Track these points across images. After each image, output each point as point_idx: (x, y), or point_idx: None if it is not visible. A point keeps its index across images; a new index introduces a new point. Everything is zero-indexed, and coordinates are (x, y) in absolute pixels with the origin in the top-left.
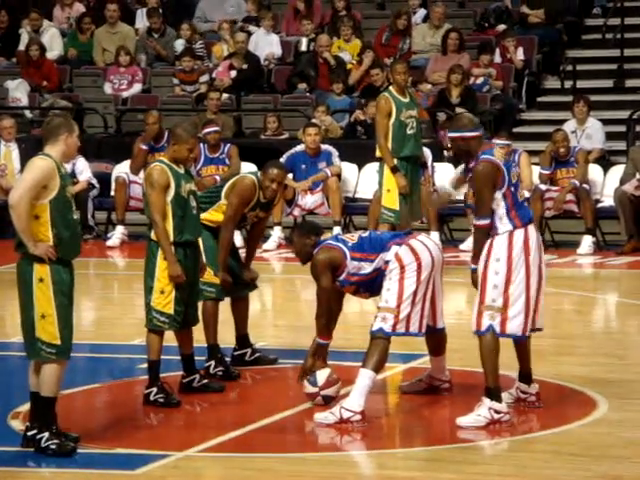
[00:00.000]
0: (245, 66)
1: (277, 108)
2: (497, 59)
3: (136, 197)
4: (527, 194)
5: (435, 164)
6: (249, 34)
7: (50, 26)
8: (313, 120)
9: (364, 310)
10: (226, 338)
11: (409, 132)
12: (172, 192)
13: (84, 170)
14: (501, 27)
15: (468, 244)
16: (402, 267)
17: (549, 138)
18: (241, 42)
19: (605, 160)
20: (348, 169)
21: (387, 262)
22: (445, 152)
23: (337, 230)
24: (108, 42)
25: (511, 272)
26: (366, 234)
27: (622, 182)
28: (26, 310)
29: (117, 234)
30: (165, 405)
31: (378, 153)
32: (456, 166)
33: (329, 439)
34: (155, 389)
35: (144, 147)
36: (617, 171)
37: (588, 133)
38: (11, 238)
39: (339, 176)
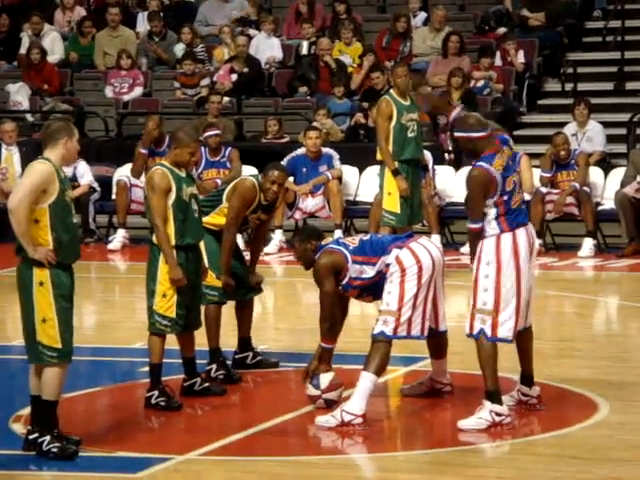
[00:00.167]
0: (246, 69)
1: (278, 111)
2: (498, 62)
3: (137, 200)
4: (527, 197)
5: (436, 167)
6: (250, 37)
7: (51, 30)
8: (314, 123)
9: (365, 313)
10: (228, 341)
11: (410, 135)
12: (173, 196)
13: (85, 174)
14: (502, 30)
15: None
16: (403, 270)
17: (550, 141)
18: (242, 46)
19: (606, 163)
20: (349, 172)
21: (388, 265)
22: (446, 155)
23: (338, 233)
24: (109, 46)
25: (500, 276)
26: (367, 237)
27: (623, 185)
28: (27, 314)
29: (118, 237)
30: (166, 408)
31: (379, 156)
32: (457, 170)
33: (330, 442)
34: (156, 392)
35: (143, 151)
36: (618, 174)
37: (589, 136)
38: (12, 242)
39: (340, 179)
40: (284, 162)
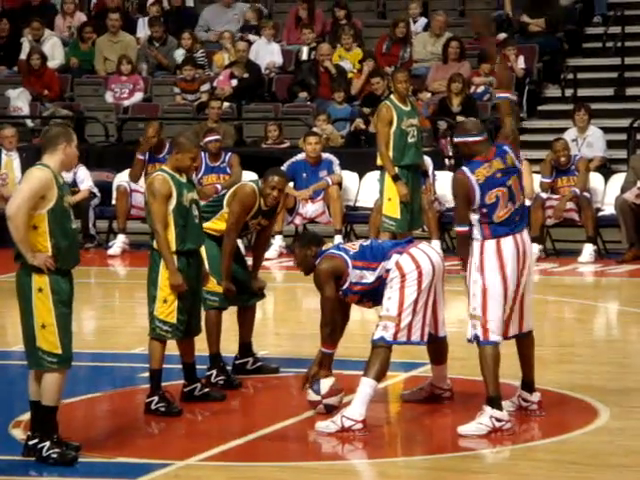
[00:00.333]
0: (246, 75)
1: (278, 117)
2: None
3: (137, 206)
4: (528, 202)
5: (436, 172)
6: (250, 43)
7: (51, 35)
8: (314, 129)
9: (365, 319)
10: (228, 347)
11: (410, 141)
12: (174, 201)
13: (85, 179)
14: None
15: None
16: (403, 275)
17: (550, 146)
18: (242, 51)
19: (606, 168)
20: (349, 178)
21: (388, 271)
22: (446, 160)
23: (338, 239)
24: (109, 51)
25: (484, 281)
26: (367, 243)
27: (623, 190)
28: (26, 320)
29: (118, 243)
30: (166, 414)
31: (379, 162)
32: None
33: (330, 448)
34: (156, 398)
35: (141, 157)
36: (618, 179)
37: (589, 141)
38: (11, 247)
39: (340, 185)
40: (284, 167)
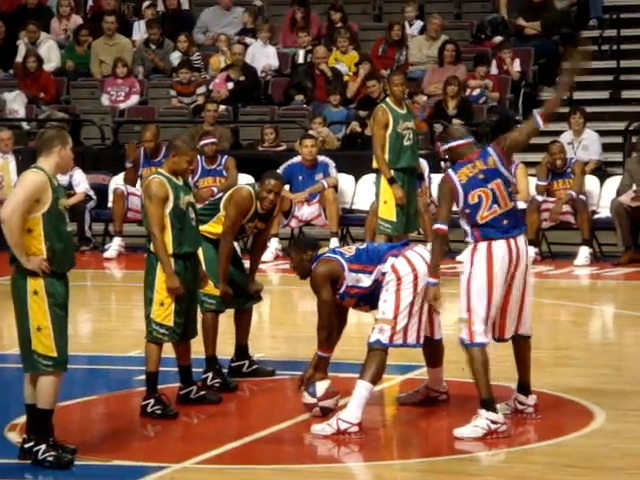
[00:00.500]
0: (242, 78)
1: (274, 120)
2: (493, 71)
3: (134, 209)
4: (523, 205)
5: (432, 175)
6: (246, 46)
7: (47, 38)
8: (310, 132)
9: (362, 322)
10: (224, 350)
11: (406, 143)
12: (171, 204)
13: (81, 182)
14: (497, 39)
15: (464, 255)
16: (399, 278)
17: (545, 149)
18: (238, 54)
19: (601, 171)
20: (345, 180)
21: (384, 274)
22: (442, 163)
23: (334, 241)
24: (105, 54)
25: (470, 284)
26: (363, 246)
27: (619, 193)
28: (21, 323)
29: (114, 246)
30: (162, 417)
31: (375, 164)
32: None
33: (326, 451)
34: (152, 401)
35: (129, 165)
36: (614, 182)
37: (584, 144)
38: (7, 250)
39: (336, 187)
40: (280, 170)
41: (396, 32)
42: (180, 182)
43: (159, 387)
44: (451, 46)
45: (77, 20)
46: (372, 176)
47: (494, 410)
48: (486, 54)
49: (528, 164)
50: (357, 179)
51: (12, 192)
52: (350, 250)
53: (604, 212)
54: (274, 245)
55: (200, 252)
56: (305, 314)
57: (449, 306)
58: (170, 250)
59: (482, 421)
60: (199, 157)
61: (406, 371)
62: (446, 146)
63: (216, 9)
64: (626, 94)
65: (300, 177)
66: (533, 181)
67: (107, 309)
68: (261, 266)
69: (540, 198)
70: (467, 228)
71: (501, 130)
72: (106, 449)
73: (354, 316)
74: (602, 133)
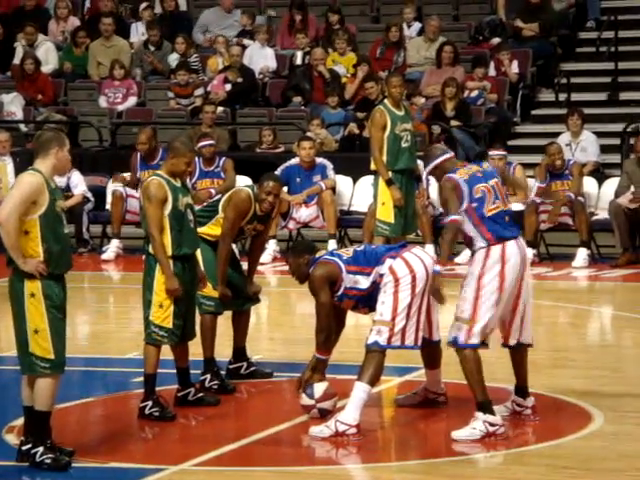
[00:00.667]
0: (240, 79)
1: (272, 121)
2: (491, 72)
3: (132, 211)
4: (521, 207)
5: (430, 177)
6: (244, 47)
7: (45, 40)
8: (308, 133)
9: (360, 323)
10: (222, 351)
11: (404, 145)
12: (170, 206)
13: (79, 184)
14: (495, 40)
15: (463, 257)
16: (396, 280)
17: (543, 151)
18: (236, 55)
19: (600, 173)
20: (343, 182)
21: (382, 275)
22: None
23: (332, 243)
24: (103, 56)
25: (479, 286)
26: (361, 248)
27: (617, 195)
28: (19, 325)
29: (112, 248)
30: (160, 419)
31: (373, 166)
32: None
33: (324, 452)
34: (150, 402)
35: (120, 189)
36: (612, 184)
37: (582, 146)
38: (4, 252)
39: (334, 189)
40: (278, 171)
41: (394, 34)
42: (178, 184)
43: (157, 389)
44: (449, 48)
45: (74, 22)
46: (370, 178)
47: (492, 412)
48: (484, 56)
49: (526, 165)
50: (355, 181)
51: (9, 194)
52: (348, 252)
53: (602, 214)
54: (272, 247)
55: (199, 254)
56: (303, 316)
57: (446, 308)
58: (169, 252)
59: (480, 423)
60: (197, 159)
61: (404, 373)
62: (431, 166)
63: (217, 10)
64: (624, 96)
65: (298, 179)
66: (531, 182)
67: (105, 311)
68: (259, 268)
69: (538, 200)
70: (474, 233)
71: (499, 132)
72: (104, 451)
73: (352, 318)
74: (600, 135)
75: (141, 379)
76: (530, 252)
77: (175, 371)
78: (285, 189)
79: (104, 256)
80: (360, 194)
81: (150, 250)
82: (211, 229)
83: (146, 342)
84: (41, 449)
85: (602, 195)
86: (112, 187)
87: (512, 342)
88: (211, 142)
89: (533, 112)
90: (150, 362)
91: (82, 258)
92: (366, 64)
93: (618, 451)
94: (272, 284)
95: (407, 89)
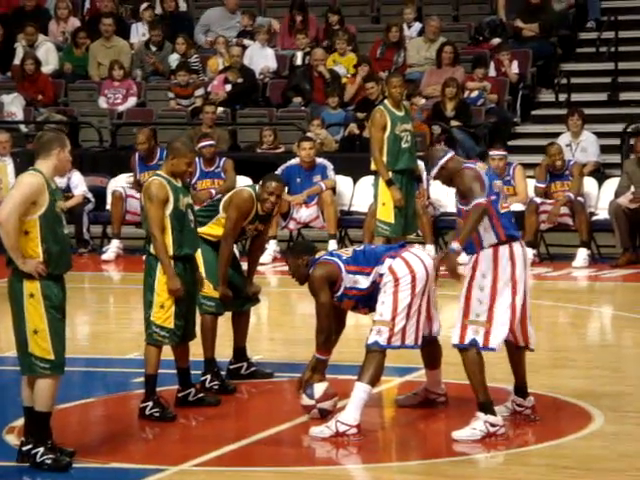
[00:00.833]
0: (240, 80)
1: (272, 122)
2: (492, 72)
3: (132, 211)
4: (522, 207)
5: (433, 180)
6: (244, 48)
7: (45, 40)
8: (308, 134)
9: (359, 323)
10: (223, 352)
11: (404, 146)
12: (171, 206)
13: (79, 184)
14: (495, 41)
15: (463, 257)
16: (396, 280)
17: (544, 151)
18: (236, 56)
19: (600, 173)
20: (343, 182)
21: (381, 275)
22: None
23: (332, 243)
24: (103, 56)
25: (496, 289)
26: (360, 248)
27: (617, 195)
28: (18, 326)
29: (112, 248)
30: (160, 419)
31: (373, 166)
32: None
33: (325, 453)
34: (151, 403)
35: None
36: (612, 184)
37: (583, 146)
38: (3, 253)
39: (334, 189)
40: (278, 172)
41: (394, 34)
42: (179, 184)
43: (157, 389)
44: (449, 48)
45: (75, 22)
46: (370, 178)
47: (492, 413)
48: (484, 56)
49: (526, 165)
50: (355, 181)
51: (9, 194)
52: (347, 252)
53: (602, 214)
54: (272, 247)
55: (199, 254)
56: (303, 316)
57: (447, 308)
58: (170, 252)
59: (480, 423)
60: (197, 159)
61: (405, 373)
62: (436, 169)
63: (221, 10)
64: (624, 96)
65: (298, 179)
66: (531, 183)
67: (105, 311)
68: (259, 268)
69: (538, 200)
70: (486, 227)
71: (499, 132)
72: (104, 452)
73: (352, 318)
74: (600, 135)
75: (142, 379)
76: (530, 252)
77: (175, 371)
78: (285, 189)
79: (104, 256)
80: (360, 194)
81: (151, 250)
82: (212, 229)
83: (147, 342)
84: (42, 450)
85: (602, 195)
86: (112, 187)
87: (521, 343)
88: (211, 142)
89: (533, 112)
90: (151, 362)
91: (82, 258)
92: (366, 64)
93: (618, 451)
94: (272, 284)
95: (407, 89)
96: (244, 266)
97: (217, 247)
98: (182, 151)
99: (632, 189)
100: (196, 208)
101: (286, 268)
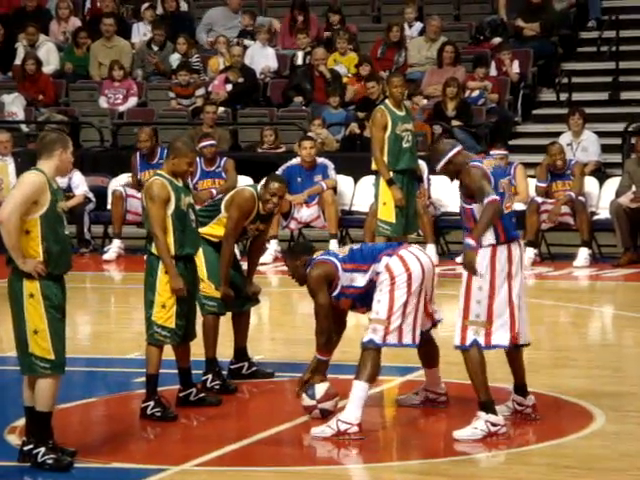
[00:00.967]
0: (241, 79)
1: (273, 121)
2: (493, 72)
3: (133, 211)
4: (523, 207)
5: (431, 177)
6: (245, 47)
7: (46, 40)
8: (309, 133)
9: (360, 323)
10: (223, 352)
11: (405, 145)
12: (172, 206)
13: (80, 184)
14: (496, 40)
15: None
16: (392, 278)
17: (545, 150)
18: (237, 56)
19: (601, 172)
20: (344, 182)
21: (378, 273)
22: None
23: (333, 243)
24: (104, 56)
25: (494, 288)
26: (358, 246)
27: (618, 194)
28: (18, 326)
29: (113, 248)
30: (162, 419)
31: (374, 166)
32: (452, 180)
33: (326, 452)
34: (152, 403)
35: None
36: (613, 183)
37: (584, 145)
38: (4, 252)
39: (335, 189)
40: (279, 171)
41: (395, 33)
42: (180, 184)
43: (159, 389)
44: (450, 47)
45: (76, 22)
46: (371, 178)
47: (494, 412)
48: (485, 55)
49: (527, 165)
50: (356, 181)
51: (10, 193)
52: (344, 250)
53: (603, 213)
54: (273, 247)
55: (200, 255)
56: (304, 316)
57: (447, 307)
58: (172, 252)
59: (481, 423)
60: (198, 159)
61: (405, 373)
62: (443, 162)
63: (224, 10)
64: (625, 95)
65: (299, 179)
66: (532, 182)
67: (106, 311)
68: (260, 268)
69: (539, 199)
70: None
71: (500, 132)
72: (106, 452)
73: (353, 318)
74: (601, 134)
75: (143, 379)
76: (531, 252)
77: (177, 371)
78: None
79: (105, 256)
80: (361, 194)
81: (152, 250)
82: (213, 229)
83: (148, 342)
84: (43, 450)
85: (603, 195)
86: (112, 187)
87: (521, 341)
88: (212, 142)
89: (534, 112)
90: (152, 363)
91: (84, 258)
92: (367, 64)
93: (620, 451)
94: (273, 284)
95: (408, 89)
96: (244, 266)
97: (218, 248)
98: (183, 151)
99: (633, 188)
100: (197, 208)
101: (287, 268)
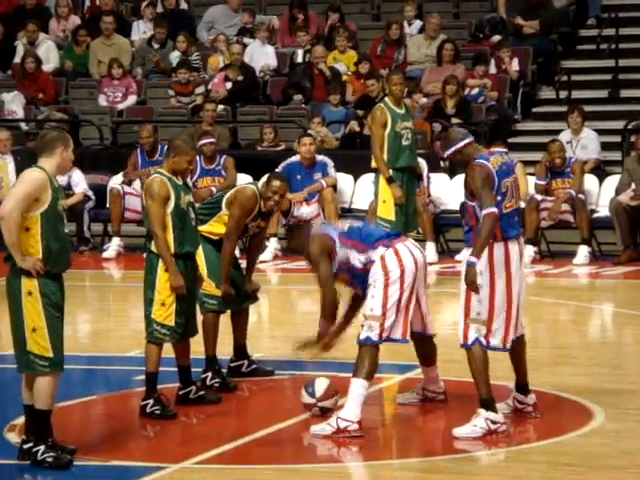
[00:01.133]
0: (241, 77)
1: (273, 119)
2: (492, 70)
3: (131, 209)
4: (522, 204)
5: (431, 174)
6: (244, 45)
7: (46, 38)
8: (309, 131)
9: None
10: (223, 350)
11: (404, 143)
12: (172, 204)
13: (80, 182)
14: (496, 38)
15: (464, 255)
16: (386, 274)
17: (544, 148)
18: (236, 54)
19: (600, 170)
20: (344, 180)
21: (372, 262)
22: (441, 163)
23: None
24: (104, 54)
25: (494, 286)
26: (358, 224)
27: (618, 192)
28: (16, 324)
29: (113, 246)
30: (161, 417)
31: (374, 164)
32: (452, 177)
33: (326, 450)
34: (152, 401)
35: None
36: (612, 181)
37: (583, 143)
38: (2, 250)
39: (334, 187)
40: (278, 169)
41: (394, 31)
42: (180, 182)
43: (158, 387)
44: (450, 45)
45: (75, 20)
46: (371, 175)
47: (494, 410)
48: (485, 53)
49: (527, 163)
50: (356, 178)
51: (11, 190)
52: (343, 225)
53: (603, 211)
54: (273, 245)
55: (201, 253)
56: (304, 314)
57: (448, 305)
58: (172, 250)
59: (481, 421)
60: (198, 157)
61: (405, 371)
62: (451, 150)
63: (225, 8)
64: (625, 93)
65: (299, 176)
66: (532, 180)
67: (106, 309)
68: (260, 266)
69: (539, 197)
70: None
71: (499, 129)
72: (105, 449)
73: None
74: (601, 132)
75: (142, 377)
76: (531, 249)
77: (176, 369)
78: None
79: (105, 254)
80: (361, 192)
81: (152, 248)
82: (213, 227)
83: (148, 340)
84: (42, 448)
85: (603, 192)
86: (110, 185)
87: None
88: (212, 140)
89: (534, 110)
90: (152, 360)
91: (83, 256)
92: (367, 62)
93: (619, 448)
94: (273, 282)
95: (408, 87)
96: (243, 264)
97: (218, 245)
98: (183, 149)
99: (633, 186)
100: (197, 206)
101: (287, 266)
